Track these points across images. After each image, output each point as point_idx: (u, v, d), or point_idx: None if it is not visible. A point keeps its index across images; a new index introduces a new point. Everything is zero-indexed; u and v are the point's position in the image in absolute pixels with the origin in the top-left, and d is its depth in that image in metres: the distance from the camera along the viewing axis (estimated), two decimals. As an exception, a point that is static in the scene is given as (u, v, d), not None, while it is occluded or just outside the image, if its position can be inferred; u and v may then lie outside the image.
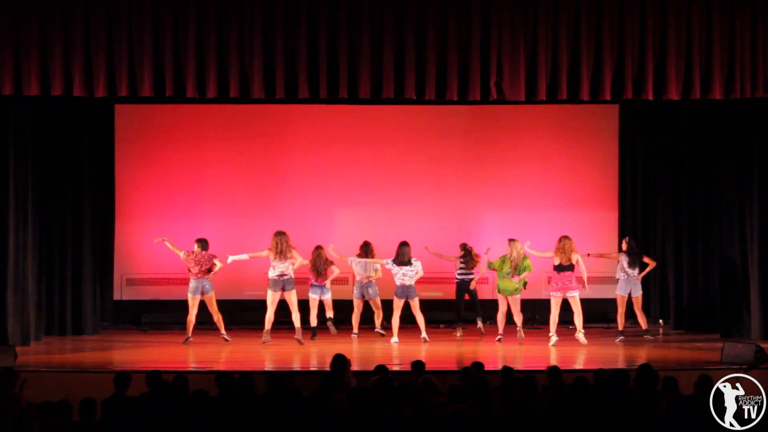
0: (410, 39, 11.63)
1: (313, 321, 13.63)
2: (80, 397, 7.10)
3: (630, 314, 13.82)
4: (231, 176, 15.46)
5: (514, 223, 15.49)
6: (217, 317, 13.29)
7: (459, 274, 14.09)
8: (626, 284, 13.58)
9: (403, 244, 13.40)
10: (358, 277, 13.71)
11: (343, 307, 13.92)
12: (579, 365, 11.60)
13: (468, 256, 13.95)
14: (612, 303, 14.98)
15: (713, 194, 14.21)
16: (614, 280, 13.91)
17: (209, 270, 13.11)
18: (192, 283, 13.10)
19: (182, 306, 14.63)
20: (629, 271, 13.56)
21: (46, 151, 13.80)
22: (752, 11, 11.88)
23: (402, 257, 13.28)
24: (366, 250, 13.64)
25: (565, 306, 15.23)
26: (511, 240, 13.35)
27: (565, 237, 13.12)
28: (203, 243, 13.16)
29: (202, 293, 13.13)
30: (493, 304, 14.04)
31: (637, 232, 15.47)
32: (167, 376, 8.05)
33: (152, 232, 14.51)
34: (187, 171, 15.41)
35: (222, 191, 15.45)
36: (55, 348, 12.96)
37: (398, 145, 15.59)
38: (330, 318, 13.66)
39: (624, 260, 13.60)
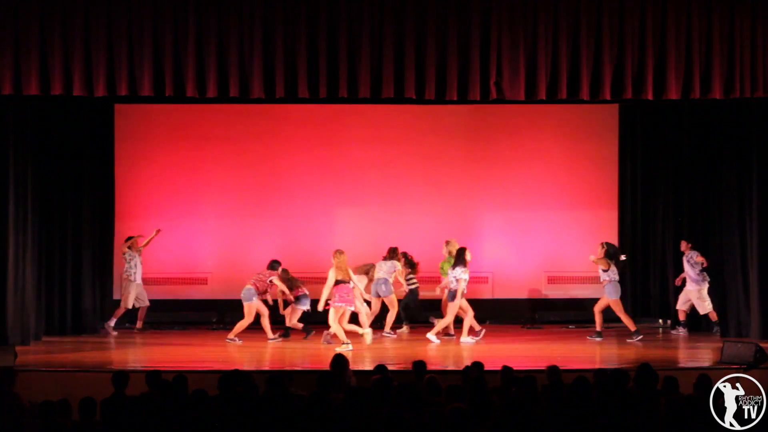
0: (410, 39, 11.62)
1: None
2: (80, 396, 7.10)
3: (613, 317, 13.82)
4: (231, 176, 15.45)
5: (514, 222, 15.52)
6: (242, 324, 13.31)
7: (411, 282, 14.19)
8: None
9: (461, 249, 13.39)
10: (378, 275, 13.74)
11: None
12: (579, 365, 11.57)
13: (410, 264, 14.11)
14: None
15: (713, 194, 14.19)
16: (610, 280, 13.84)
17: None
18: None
19: (182, 306, 14.70)
20: (612, 274, 13.54)
21: (46, 150, 13.76)
22: (752, 11, 11.87)
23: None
24: (393, 256, 13.83)
25: (567, 307, 15.33)
26: (447, 241, 13.77)
27: (340, 251, 12.61)
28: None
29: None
30: (489, 304, 14.11)
31: (637, 232, 15.49)
32: (167, 376, 8.05)
33: (152, 232, 14.46)
34: (187, 171, 15.41)
35: (222, 191, 15.44)
36: (55, 348, 12.92)
37: (398, 144, 15.58)
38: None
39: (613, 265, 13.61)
